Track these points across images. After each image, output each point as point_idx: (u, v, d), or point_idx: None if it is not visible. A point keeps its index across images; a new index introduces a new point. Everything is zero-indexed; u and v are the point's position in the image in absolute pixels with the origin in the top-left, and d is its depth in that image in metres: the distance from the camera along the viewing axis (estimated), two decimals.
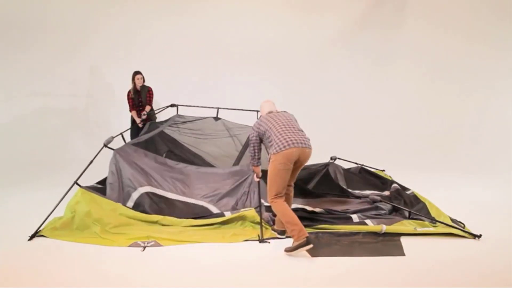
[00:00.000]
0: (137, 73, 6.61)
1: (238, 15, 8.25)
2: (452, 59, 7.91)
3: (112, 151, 4.74)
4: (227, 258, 3.56)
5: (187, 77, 8.40)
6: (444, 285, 3.01)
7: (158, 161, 4.89)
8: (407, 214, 4.35)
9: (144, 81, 6.67)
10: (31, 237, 3.92)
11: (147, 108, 6.59)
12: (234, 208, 4.53)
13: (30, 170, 7.03)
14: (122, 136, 4.96)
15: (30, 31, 8.08)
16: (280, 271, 3.31)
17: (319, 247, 3.70)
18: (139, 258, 3.54)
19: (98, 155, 4.64)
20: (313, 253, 3.58)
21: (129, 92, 6.69)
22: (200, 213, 4.48)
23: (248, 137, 4.11)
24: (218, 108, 5.67)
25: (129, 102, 6.71)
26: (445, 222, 4.11)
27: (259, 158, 4.09)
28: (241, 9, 8.26)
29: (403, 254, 3.53)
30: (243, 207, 4.50)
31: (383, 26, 8.09)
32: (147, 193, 4.56)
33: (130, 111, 6.69)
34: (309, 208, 4.50)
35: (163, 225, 4.24)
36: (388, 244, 3.72)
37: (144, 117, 6.46)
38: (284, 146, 3.68)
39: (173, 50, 8.33)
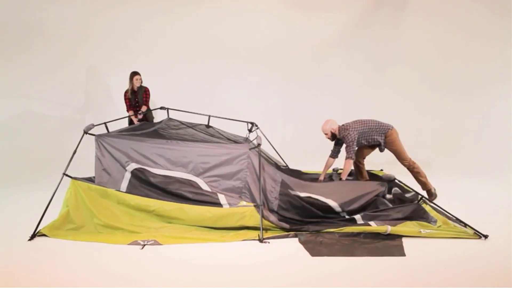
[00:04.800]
0: (135, 73, 6.61)
1: (236, 16, 8.26)
2: (452, 60, 7.96)
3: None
4: (227, 258, 3.55)
5: (184, 78, 8.39)
6: (444, 285, 3.02)
7: (141, 141, 4.71)
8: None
9: (141, 81, 6.68)
10: (31, 237, 3.90)
11: (143, 108, 6.60)
12: (227, 194, 4.44)
13: (29, 170, 7.01)
14: (106, 126, 4.89)
15: (29, 31, 8.05)
16: (280, 271, 3.30)
17: (319, 247, 3.71)
18: (139, 258, 3.53)
19: (92, 150, 4.64)
20: (313, 253, 3.59)
21: (126, 92, 6.69)
22: (189, 192, 4.39)
23: None
24: (209, 116, 5.62)
25: (126, 102, 6.70)
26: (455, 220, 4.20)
27: None
28: (239, 9, 8.26)
29: (404, 255, 3.54)
30: (237, 196, 4.43)
31: (382, 27, 8.12)
32: (136, 170, 4.49)
33: (127, 111, 6.69)
34: (321, 199, 4.49)
35: (158, 215, 4.23)
36: (389, 244, 3.73)
37: (140, 116, 6.48)
38: None
39: (171, 51, 8.33)
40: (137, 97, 6.65)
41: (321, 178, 5.65)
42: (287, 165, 6.12)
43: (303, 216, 4.37)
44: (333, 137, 5.53)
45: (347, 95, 8.21)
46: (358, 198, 4.61)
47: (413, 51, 8.10)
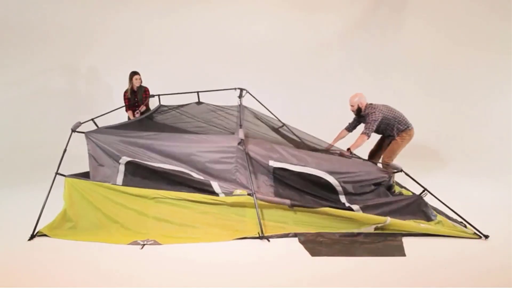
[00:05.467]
0: (135, 73, 6.61)
1: (235, 17, 8.25)
2: (452, 61, 7.95)
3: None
4: (227, 257, 3.56)
5: (184, 78, 8.38)
6: (444, 285, 3.03)
7: (131, 135, 4.73)
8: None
9: (141, 81, 6.67)
10: (31, 237, 3.91)
11: (142, 108, 6.59)
12: (220, 181, 4.44)
13: (30, 171, 7.03)
14: (94, 122, 4.92)
15: (30, 31, 8.05)
16: (280, 271, 3.30)
17: (319, 247, 3.71)
18: (139, 258, 3.53)
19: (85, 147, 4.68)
20: (313, 253, 3.59)
21: (125, 92, 6.68)
22: (185, 178, 4.41)
23: None
24: (198, 92, 5.62)
25: (125, 102, 6.69)
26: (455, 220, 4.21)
27: None
28: (238, 10, 8.26)
29: (404, 255, 3.54)
30: (230, 184, 4.43)
31: (382, 29, 8.11)
32: (129, 162, 4.52)
33: (126, 111, 6.68)
34: (320, 174, 4.47)
35: (157, 202, 4.24)
36: (389, 245, 3.72)
37: (137, 115, 6.47)
38: None
39: (172, 52, 8.34)
40: (136, 97, 6.65)
41: (329, 146, 5.52)
42: (283, 124, 5.95)
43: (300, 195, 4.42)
44: (357, 111, 5.41)
45: (344, 96, 8.17)
46: (359, 175, 4.55)
47: (413, 52, 8.09)
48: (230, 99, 5.63)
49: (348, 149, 5.08)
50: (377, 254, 3.55)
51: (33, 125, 8.19)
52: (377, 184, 4.63)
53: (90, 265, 3.40)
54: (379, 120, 5.14)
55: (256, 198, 4.09)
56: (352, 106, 5.43)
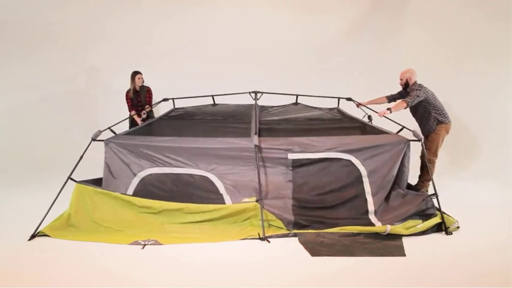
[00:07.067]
0: (137, 73, 6.59)
1: (234, 16, 8.24)
2: (452, 63, 7.92)
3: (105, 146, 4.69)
4: (227, 257, 3.56)
5: (184, 77, 8.39)
6: (444, 285, 3.03)
7: (151, 142, 4.65)
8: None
9: (143, 81, 6.66)
10: (31, 237, 3.92)
11: (148, 108, 6.56)
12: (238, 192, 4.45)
13: (31, 170, 7.04)
14: (111, 130, 4.88)
15: (33, 30, 8.07)
16: (280, 271, 3.31)
17: (319, 247, 3.71)
18: (140, 258, 3.54)
19: (96, 153, 4.65)
20: (313, 253, 3.59)
21: (127, 92, 6.66)
22: (202, 189, 4.44)
23: None
24: (213, 96, 5.69)
25: (128, 102, 6.68)
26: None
27: None
28: (236, 11, 8.24)
29: (404, 255, 3.54)
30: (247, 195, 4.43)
31: (380, 32, 8.09)
32: (148, 176, 4.50)
33: (130, 111, 6.66)
34: (337, 155, 4.54)
35: (163, 215, 4.25)
36: (389, 244, 3.72)
37: (144, 116, 6.46)
38: None
39: (174, 53, 8.30)
40: (139, 97, 6.62)
41: (364, 102, 5.68)
42: (297, 95, 5.92)
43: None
44: (405, 85, 5.54)
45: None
46: (377, 148, 4.59)
47: (412, 54, 8.07)
48: (243, 102, 5.75)
49: (389, 108, 5.13)
50: (377, 254, 3.56)
51: (34, 125, 8.19)
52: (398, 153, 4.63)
53: (91, 265, 3.40)
54: (422, 98, 5.22)
55: (263, 207, 4.12)
56: (401, 80, 5.58)
